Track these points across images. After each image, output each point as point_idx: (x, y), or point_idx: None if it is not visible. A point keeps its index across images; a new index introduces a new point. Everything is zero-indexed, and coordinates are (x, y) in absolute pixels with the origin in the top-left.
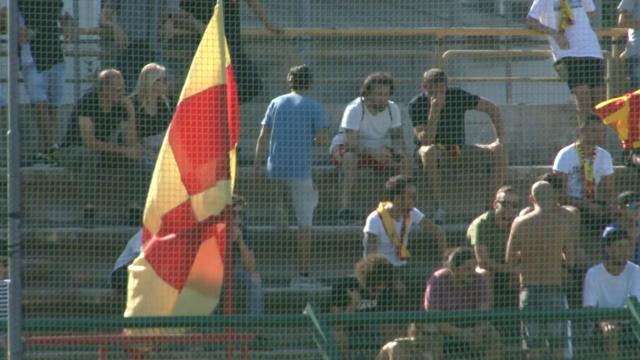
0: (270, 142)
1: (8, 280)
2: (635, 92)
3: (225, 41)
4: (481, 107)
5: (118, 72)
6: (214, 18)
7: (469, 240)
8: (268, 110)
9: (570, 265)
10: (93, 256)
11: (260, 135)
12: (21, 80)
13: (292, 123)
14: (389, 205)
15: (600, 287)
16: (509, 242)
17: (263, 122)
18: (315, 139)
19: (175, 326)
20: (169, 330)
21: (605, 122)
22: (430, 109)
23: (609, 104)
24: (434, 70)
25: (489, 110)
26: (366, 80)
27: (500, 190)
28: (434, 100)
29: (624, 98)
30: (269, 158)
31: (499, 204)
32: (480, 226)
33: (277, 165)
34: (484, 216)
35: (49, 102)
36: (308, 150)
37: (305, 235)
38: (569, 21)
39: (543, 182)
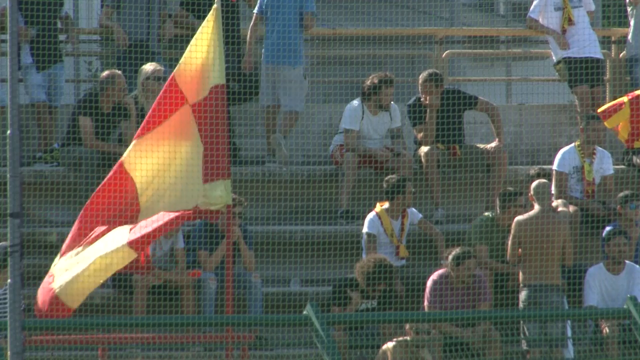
0: (266, 32)
1: (8, 281)
2: (636, 93)
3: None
4: (480, 107)
5: (120, 72)
6: (211, 18)
7: (469, 240)
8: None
9: (569, 265)
10: None
11: (252, 22)
12: (21, 81)
13: (282, 10)
14: (386, 205)
15: (601, 286)
16: (509, 242)
17: (255, 10)
18: (302, 23)
19: (176, 326)
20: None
21: (607, 125)
22: (427, 111)
23: (610, 107)
24: (428, 70)
25: (488, 110)
26: (370, 81)
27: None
28: (429, 102)
29: (624, 99)
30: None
31: (512, 206)
32: (480, 226)
33: (270, 54)
34: (483, 216)
35: (49, 102)
36: (298, 37)
37: (295, 117)
38: (570, 21)
39: (543, 180)
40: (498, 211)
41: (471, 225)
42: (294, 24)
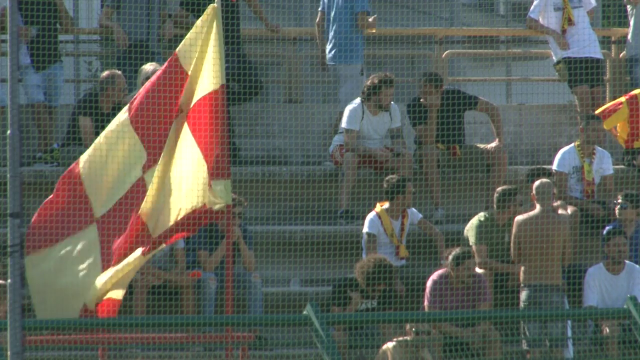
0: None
1: (8, 281)
2: (633, 92)
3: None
4: (480, 108)
5: (120, 72)
6: (207, 17)
7: (467, 240)
8: None
9: (565, 264)
10: None
11: (317, 19)
12: (20, 81)
13: (337, 9)
14: (386, 205)
15: (601, 286)
16: (512, 242)
17: (320, 8)
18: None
19: (176, 326)
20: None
21: (605, 126)
22: (429, 111)
23: (608, 107)
24: (427, 72)
25: (489, 110)
26: (370, 81)
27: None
28: (429, 102)
29: (622, 99)
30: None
31: (513, 205)
32: (479, 226)
33: (331, 53)
34: (481, 216)
35: (47, 102)
36: (353, 36)
37: None
38: (570, 21)
39: (545, 180)
40: (495, 209)
41: (468, 225)
42: (348, 23)
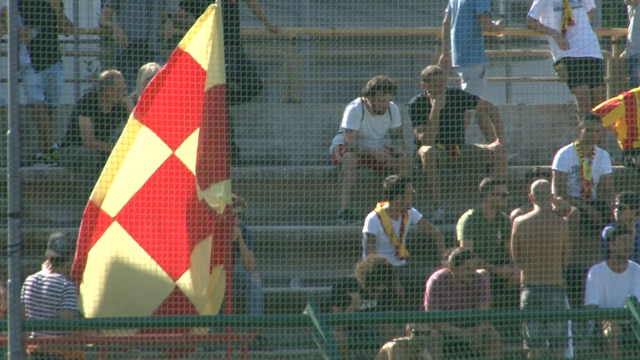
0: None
1: (8, 280)
2: (630, 91)
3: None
4: (480, 107)
5: (119, 72)
6: (205, 17)
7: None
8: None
9: (565, 265)
10: None
11: (444, 20)
12: (20, 81)
13: (458, 13)
14: (386, 205)
15: (603, 285)
16: (511, 243)
17: (446, 10)
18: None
19: (176, 326)
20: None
21: (603, 123)
22: (431, 110)
23: (605, 104)
24: (431, 66)
25: (488, 110)
26: (370, 82)
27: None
28: (435, 100)
29: (620, 97)
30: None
31: (491, 194)
32: (467, 221)
33: (454, 56)
34: (469, 212)
35: (47, 102)
36: (474, 38)
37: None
38: (570, 21)
39: (543, 181)
40: (487, 201)
41: (457, 223)
42: (471, 26)
